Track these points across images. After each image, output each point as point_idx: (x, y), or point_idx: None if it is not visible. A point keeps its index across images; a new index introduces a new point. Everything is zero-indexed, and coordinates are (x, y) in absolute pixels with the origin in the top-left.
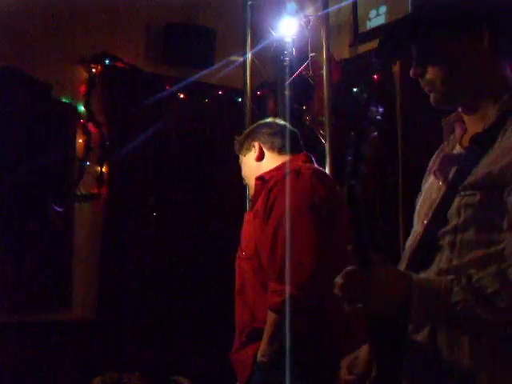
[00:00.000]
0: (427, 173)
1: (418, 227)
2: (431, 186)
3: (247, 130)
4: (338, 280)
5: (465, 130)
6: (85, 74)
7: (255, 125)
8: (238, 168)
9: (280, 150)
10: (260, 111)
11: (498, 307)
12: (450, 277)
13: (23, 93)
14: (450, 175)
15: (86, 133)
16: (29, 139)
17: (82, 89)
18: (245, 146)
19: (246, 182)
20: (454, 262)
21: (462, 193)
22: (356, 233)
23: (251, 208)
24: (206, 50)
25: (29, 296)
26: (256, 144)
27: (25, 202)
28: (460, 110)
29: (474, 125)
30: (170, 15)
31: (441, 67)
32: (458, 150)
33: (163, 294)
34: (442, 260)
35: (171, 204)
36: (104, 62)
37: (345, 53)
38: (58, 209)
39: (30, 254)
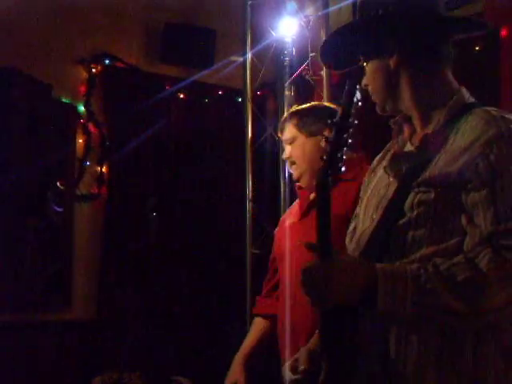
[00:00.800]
0: (370, 172)
1: (366, 222)
2: (379, 183)
3: (311, 106)
4: (301, 277)
5: (413, 130)
6: (85, 74)
7: (326, 106)
8: (239, 168)
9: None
10: (260, 111)
11: (470, 296)
12: (414, 265)
13: (23, 93)
14: (403, 171)
15: (86, 133)
16: (29, 139)
17: (82, 89)
18: (312, 126)
19: (295, 165)
20: (405, 260)
21: (416, 189)
22: (321, 228)
23: (310, 207)
24: (206, 50)
25: (29, 296)
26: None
27: (25, 202)
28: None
29: (422, 126)
30: (169, 15)
31: (369, 82)
32: (409, 148)
33: (163, 293)
34: (392, 256)
35: (171, 204)
36: (104, 62)
37: None
38: (58, 209)
39: (30, 254)
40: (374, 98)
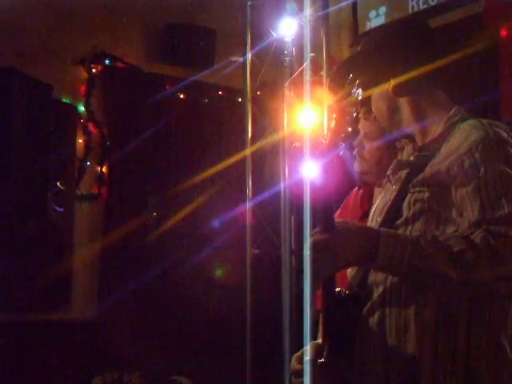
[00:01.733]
0: (383, 188)
1: (372, 226)
2: (385, 192)
3: None
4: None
5: (416, 147)
6: (85, 74)
7: None
8: (239, 168)
9: None
10: (260, 111)
11: (463, 265)
12: (414, 234)
13: (24, 93)
14: (403, 178)
15: (87, 133)
16: (29, 139)
17: (83, 89)
18: None
19: None
20: None
21: (412, 190)
22: (325, 206)
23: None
24: (206, 50)
25: (29, 296)
26: None
27: (25, 202)
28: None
29: (423, 140)
30: (170, 15)
31: (374, 111)
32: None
33: (163, 293)
34: None
35: (171, 204)
36: (104, 62)
37: (345, 53)
38: (59, 209)
39: (30, 254)
40: (382, 124)
